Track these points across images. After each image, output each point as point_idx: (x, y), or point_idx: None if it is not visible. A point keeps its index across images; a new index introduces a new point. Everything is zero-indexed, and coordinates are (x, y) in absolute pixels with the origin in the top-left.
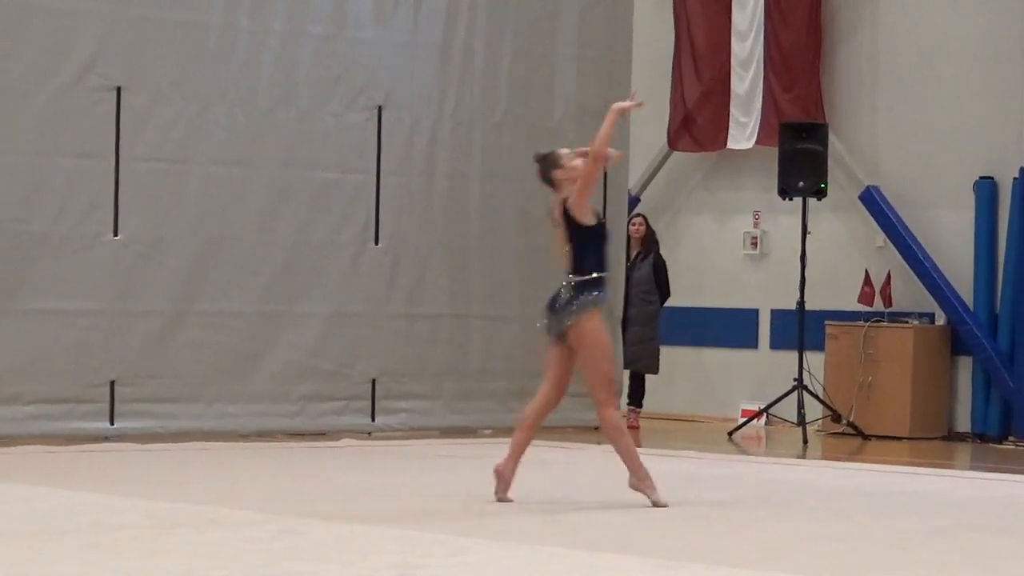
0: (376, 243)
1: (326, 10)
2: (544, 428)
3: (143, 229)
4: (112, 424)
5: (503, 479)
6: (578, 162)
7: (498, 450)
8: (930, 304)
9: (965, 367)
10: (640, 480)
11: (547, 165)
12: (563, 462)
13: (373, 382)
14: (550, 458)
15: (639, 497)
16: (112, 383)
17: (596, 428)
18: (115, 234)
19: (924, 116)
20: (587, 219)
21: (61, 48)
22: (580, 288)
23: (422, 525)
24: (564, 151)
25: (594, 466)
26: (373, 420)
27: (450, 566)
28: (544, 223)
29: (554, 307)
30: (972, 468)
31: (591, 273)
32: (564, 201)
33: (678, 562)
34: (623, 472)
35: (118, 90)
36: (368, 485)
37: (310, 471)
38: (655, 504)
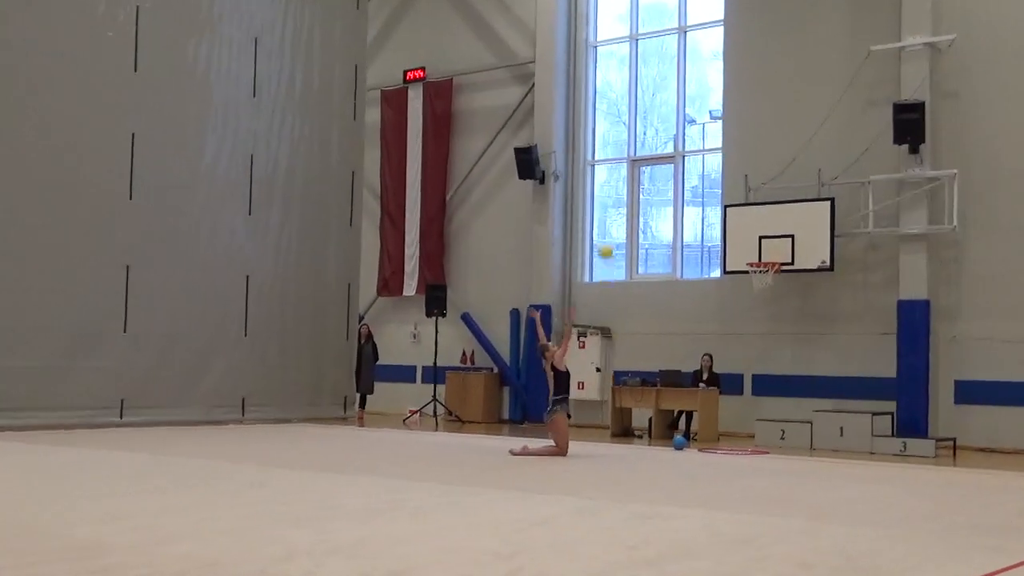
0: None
1: None
2: (317, 417)
3: None
4: None
5: (524, 452)
6: (554, 349)
7: (327, 430)
8: (489, 363)
9: (506, 390)
10: (525, 451)
11: (541, 352)
12: (338, 436)
13: (243, 399)
14: (330, 432)
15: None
16: None
17: (343, 419)
18: None
19: (489, 280)
20: (561, 368)
21: None
22: (554, 402)
23: (378, 472)
24: (551, 346)
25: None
26: (243, 415)
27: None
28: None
29: (545, 409)
30: (510, 434)
31: (559, 395)
32: (551, 363)
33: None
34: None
35: None
36: (285, 447)
37: (271, 441)
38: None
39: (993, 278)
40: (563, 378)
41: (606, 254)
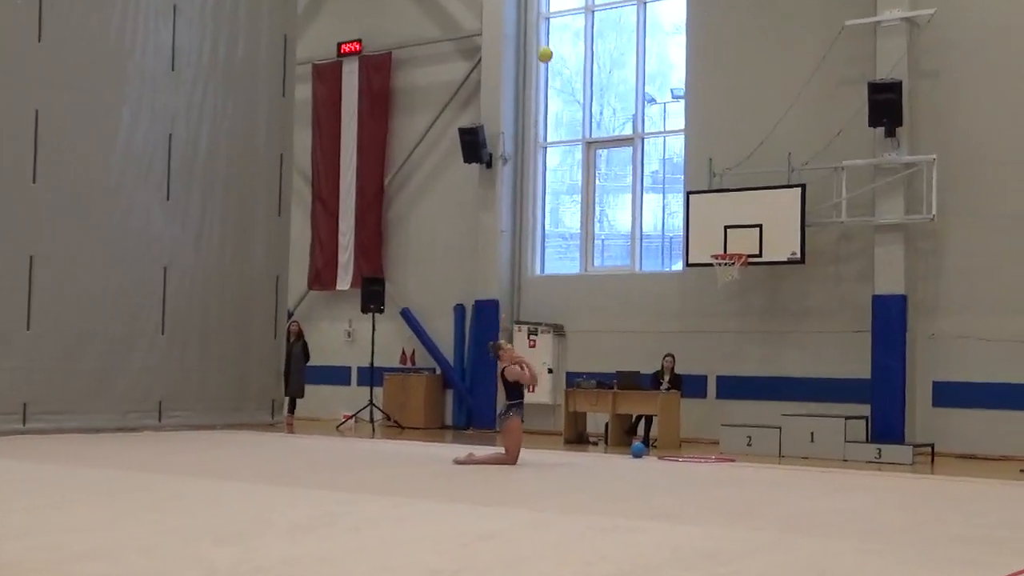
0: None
1: None
2: (242, 423)
3: None
4: None
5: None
6: (510, 351)
7: (248, 436)
8: (431, 363)
9: (450, 394)
10: (470, 459)
11: (494, 351)
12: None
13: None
14: (256, 439)
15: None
16: None
17: (270, 425)
18: None
19: (431, 272)
20: (511, 379)
21: None
22: (508, 407)
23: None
24: (507, 347)
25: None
26: (160, 421)
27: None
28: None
29: (497, 415)
30: (454, 441)
31: (514, 399)
32: (503, 370)
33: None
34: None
35: None
36: (213, 457)
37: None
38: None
39: (974, 271)
40: (516, 385)
41: (544, 57)
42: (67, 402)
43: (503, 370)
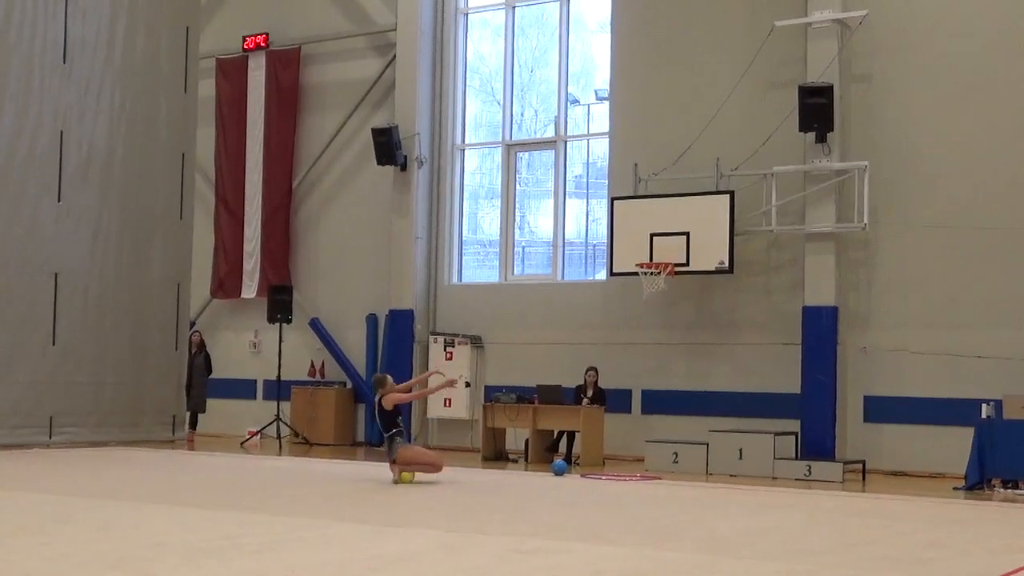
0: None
1: None
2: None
3: None
4: None
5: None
6: (391, 387)
7: (119, 453)
8: (342, 376)
9: (361, 408)
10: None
11: (376, 384)
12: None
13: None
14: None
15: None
16: None
17: (170, 442)
18: None
19: (342, 281)
20: (389, 408)
21: None
22: (390, 438)
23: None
24: (390, 381)
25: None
26: (50, 437)
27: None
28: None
29: (386, 451)
30: (366, 458)
31: (392, 430)
32: (381, 399)
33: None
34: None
35: None
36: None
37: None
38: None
39: (907, 282)
40: (391, 415)
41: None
42: None
43: (380, 398)
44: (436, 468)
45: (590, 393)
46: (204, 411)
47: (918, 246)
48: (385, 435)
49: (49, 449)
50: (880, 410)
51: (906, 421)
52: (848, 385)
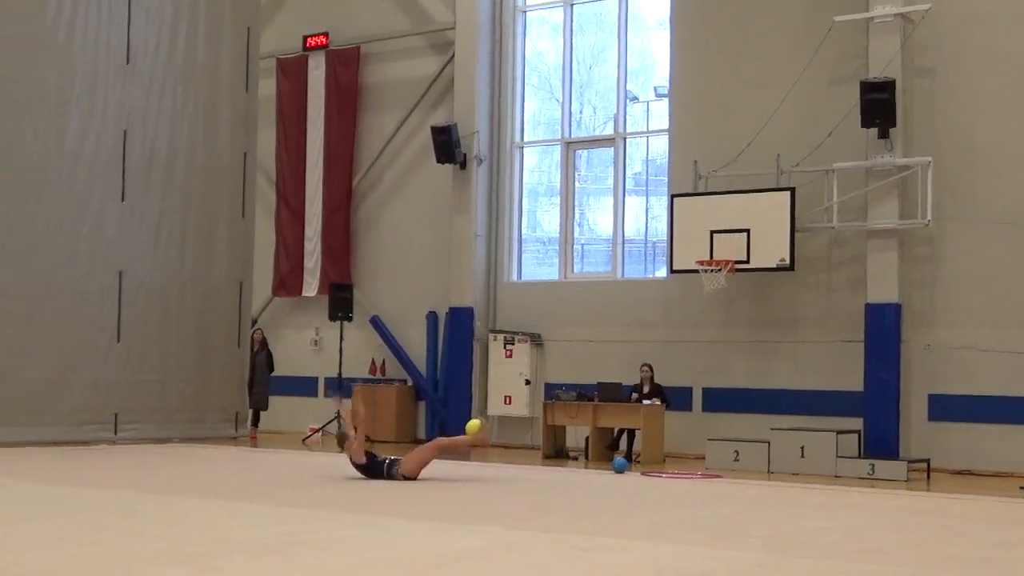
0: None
1: None
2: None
3: None
4: None
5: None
6: (352, 441)
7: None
8: (402, 374)
9: (422, 405)
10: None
11: (339, 441)
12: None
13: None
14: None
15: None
16: None
17: (233, 439)
18: None
19: (402, 279)
20: (360, 461)
21: None
22: (388, 466)
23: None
24: (351, 438)
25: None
26: (115, 434)
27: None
28: None
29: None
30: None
31: (381, 461)
32: (351, 458)
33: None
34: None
35: None
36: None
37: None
38: None
39: (972, 279)
40: (368, 457)
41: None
42: (14, 413)
43: (351, 458)
44: (434, 451)
45: (646, 389)
46: (266, 408)
47: (983, 242)
48: (385, 465)
49: (114, 445)
50: (945, 408)
51: (972, 419)
52: (912, 383)
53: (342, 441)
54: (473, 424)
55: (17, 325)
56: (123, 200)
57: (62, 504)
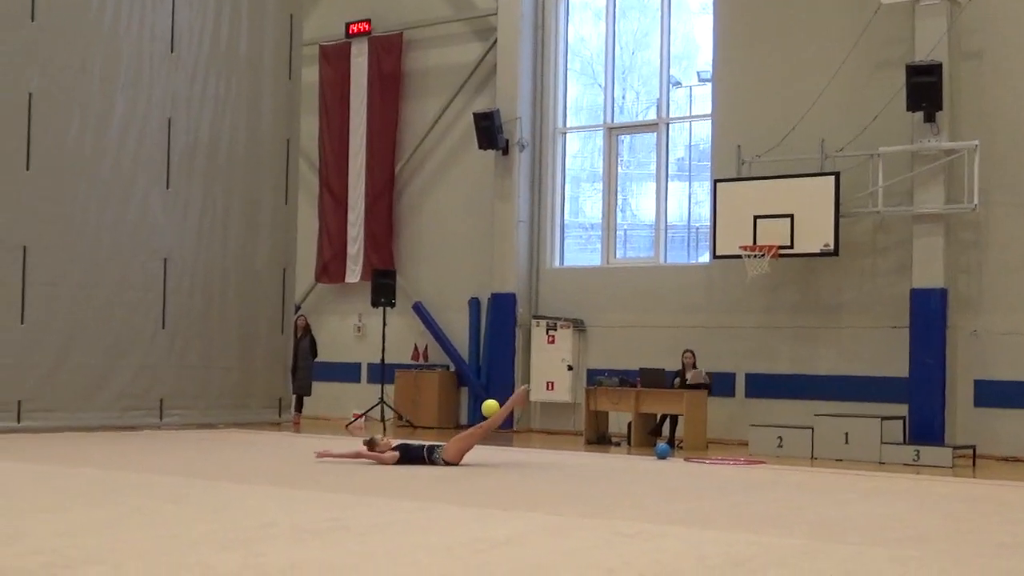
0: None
1: None
2: (246, 422)
3: None
4: None
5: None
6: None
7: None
8: (445, 360)
9: (464, 391)
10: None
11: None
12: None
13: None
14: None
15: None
16: None
17: (277, 424)
18: None
19: (444, 265)
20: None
21: None
22: (429, 451)
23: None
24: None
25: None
26: (161, 419)
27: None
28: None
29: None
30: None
31: (420, 448)
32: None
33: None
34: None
35: None
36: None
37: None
38: None
39: (1019, 264)
40: (403, 456)
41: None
42: (62, 399)
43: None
44: (484, 431)
45: (689, 375)
46: (310, 394)
47: None
48: (427, 458)
49: (159, 431)
50: (991, 394)
51: (1019, 406)
52: (958, 369)
53: (371, 447)
54: (490, 404)
55: (64, 312)
56: (168, 187)
57: (111, 489)
